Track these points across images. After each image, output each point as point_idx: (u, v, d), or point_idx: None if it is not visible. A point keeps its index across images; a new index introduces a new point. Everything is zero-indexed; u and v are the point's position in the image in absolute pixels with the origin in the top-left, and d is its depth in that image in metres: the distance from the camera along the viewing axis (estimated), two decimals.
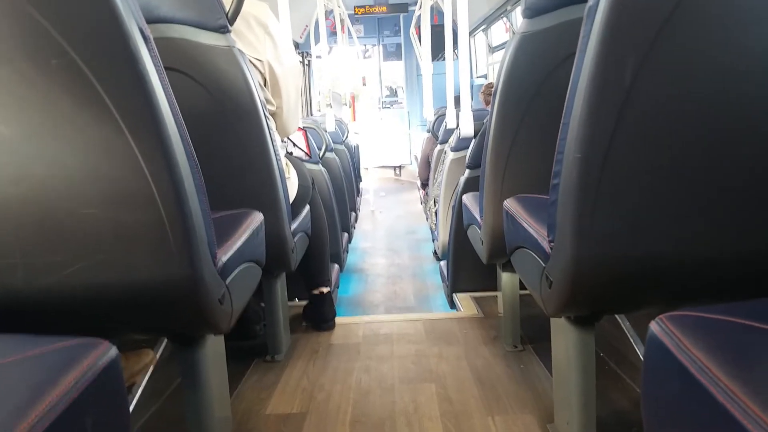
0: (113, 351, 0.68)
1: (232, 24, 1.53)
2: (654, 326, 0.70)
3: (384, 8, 8.71)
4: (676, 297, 1.13)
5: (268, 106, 1.72)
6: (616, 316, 1.78)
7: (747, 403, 0.53)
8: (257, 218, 1.48)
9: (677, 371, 0.63)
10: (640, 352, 1.63)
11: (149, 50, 0.90)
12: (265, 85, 1.76)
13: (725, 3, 0.87)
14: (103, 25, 0.84)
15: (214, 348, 1.24)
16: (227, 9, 1.52)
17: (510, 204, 1.48)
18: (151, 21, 1.41)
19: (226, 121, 1.56)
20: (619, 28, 0.89)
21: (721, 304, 0.73)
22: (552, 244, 1.12)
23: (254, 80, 1.57)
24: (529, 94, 1.58)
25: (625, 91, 0.91)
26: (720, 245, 1.00)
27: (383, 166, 10.10)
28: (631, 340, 1.69)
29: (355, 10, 8.80)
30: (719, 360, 0.59)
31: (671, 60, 0.89)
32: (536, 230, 1.23)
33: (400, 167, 10.17)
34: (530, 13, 1.51)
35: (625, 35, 0.89)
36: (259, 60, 1.69)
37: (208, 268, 1.05)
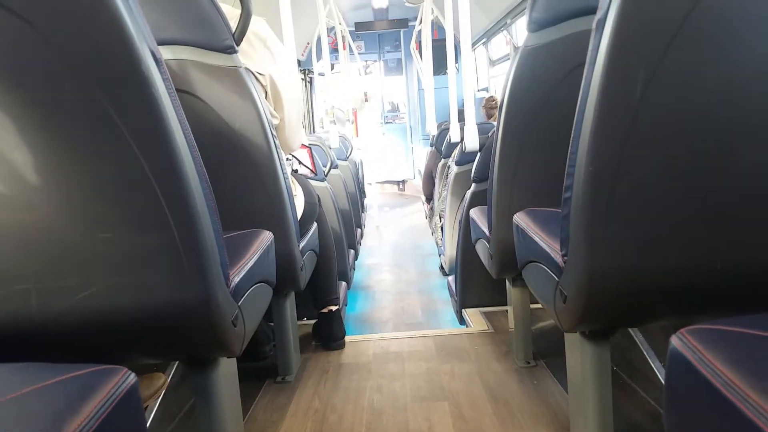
0: (132, 377, 0.68)
1: (238, 44, 1.54)
2: (675, 341, 0.69)
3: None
4: (692, 310, 1.12)
5: (274, 121, 1.72)
6: (629, 329, 1.77)
7: None
8: (267, 237, 1.47)
9: (701, 386, 0.62)
10: (654, 365, 1.62)
11: (161, 73, 0.90)
12: (266, 98, 1.76)
13: (734, 14, 0.87)
14: (115, 48, 0.84)
15: (226, 370, 1.23)
16: (233, 29, 1.53)
17: (520, 218, 1.47)
18: (158, 43, 1.42)
19: (234, 141, 1.56)
20: (628, 40, 0.89)
21: (739, 316, 0.72)
22: (565, 258, 1.11)
23: (261, 100, 1.58)
24: (535, 108, 1.59)
25: (636, 103, 0.91)
26: (734, 257, 0.99)
27: (386, 181, 10.12)
28: (645, 354, 1.67)
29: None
30: (745, 374, 0.58)
31: (681, 72, 0.89)
32: (548, 244, 1.23)
33: (403, 182, 10.18)
34: (535, 27, 1.52)
35: (634, 48, 0.89)
36: (261, 74, 1.70)
37: (221, 290, 1.04)
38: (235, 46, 1.52)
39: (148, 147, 0.89)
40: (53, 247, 0.93)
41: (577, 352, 1.25)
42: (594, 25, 0.94)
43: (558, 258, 1.15)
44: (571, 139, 1.02)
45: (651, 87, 0.89)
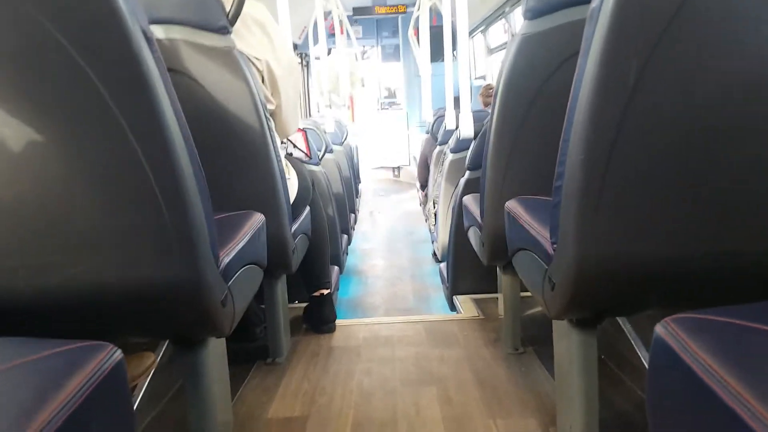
0: (118, 354, 0.68)
1: (232, 25, 1.53)
2: (659, 329, 0.70)
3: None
4: (679, 299, 1.13)
5: (268, 105, 1.72)
6: (617, 318, 1.78)
7: (755, 405, 0.52)
8: (258, 219, 1.47)
9: (683, 374, 0.63)
10: (641, 354, 1.63)
11: (152, 51, 0.90)
12: (262, 83, 1.75)
13: (728, 5, 0.87)
14: (106, 26, 0.83)
15: (215, 350, 1.23)
16: (227, 10, 1.52)
17: (511, 205, 1.48)
18: (151, 22, 1.41)
19: (226, 122, 1.56)
20: (622, 30, 0.89)
21: (725, 306, 0.73)
22: (554, 246, 1.12)
23: (255, 82, 1.57)
24: (530, 96, 1.58)
25: (629, 93, 0.91)
26: (723, 247, 1.00)
27: (382, 167, 10.11)
28: (633, 343, 1.68)
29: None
30: (726, 362, 0.59)
31: (674, 62, 0.89)
32: (538, 232, 1.23)
33: (398, 168, 10.17)
34: (531, 15, 1.51)
35: (628, 37, 0.89)
36: (258, 59, 1.69)
37: (211, 270, 1.04)
38: (228, 26, 1.51)
39: (138, 125, 0.88)
40: (41, 224, 0.93)
41: (565, 339, 1.26)
42: (588, 15, 0.94)
43: (547, 246, 1.16)
44: (564, 127, 1.02)
45: (644, 77, 0.89)
